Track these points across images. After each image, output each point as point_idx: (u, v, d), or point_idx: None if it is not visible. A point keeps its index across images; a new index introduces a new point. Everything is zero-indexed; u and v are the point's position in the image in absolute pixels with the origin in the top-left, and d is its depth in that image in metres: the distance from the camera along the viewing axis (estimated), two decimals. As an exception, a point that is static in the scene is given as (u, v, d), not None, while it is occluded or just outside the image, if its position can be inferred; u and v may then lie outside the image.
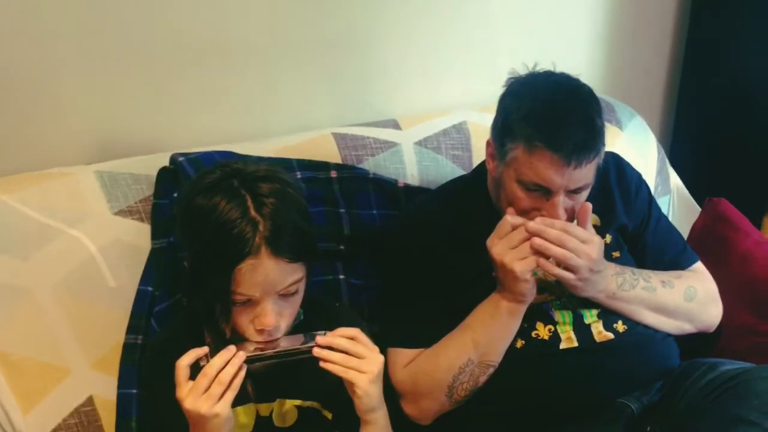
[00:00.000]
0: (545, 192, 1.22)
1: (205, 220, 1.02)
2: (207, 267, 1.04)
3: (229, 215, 1.00)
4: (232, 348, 1.02)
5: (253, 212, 1.01)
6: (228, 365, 0.99)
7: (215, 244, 1.02)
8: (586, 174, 1.22)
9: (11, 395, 1.23)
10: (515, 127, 1.22)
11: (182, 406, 0.99)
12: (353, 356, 1.04)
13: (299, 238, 1.04)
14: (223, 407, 0.98)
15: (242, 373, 1.01)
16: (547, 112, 1.21)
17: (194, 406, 0.97)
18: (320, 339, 1.04)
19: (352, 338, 1.05)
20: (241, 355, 1.01)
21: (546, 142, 1.18)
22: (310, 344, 1.05)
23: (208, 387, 0.98)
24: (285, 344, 1.06)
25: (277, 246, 1.01)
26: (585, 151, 1.19)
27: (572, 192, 1.23)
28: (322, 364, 1.03)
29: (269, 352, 1.05)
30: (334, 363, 1.03)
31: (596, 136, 1.22)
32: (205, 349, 1.02)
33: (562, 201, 1.22)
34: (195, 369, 1.01)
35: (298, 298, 1.08)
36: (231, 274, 1.01)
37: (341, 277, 1.45)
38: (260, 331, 1.05)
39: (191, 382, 0.99)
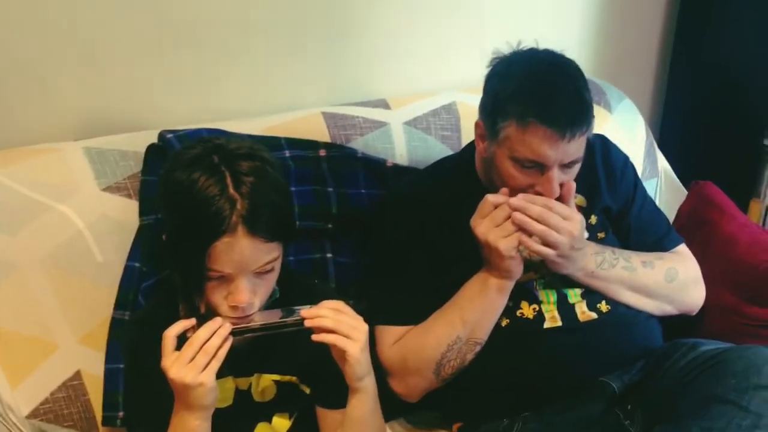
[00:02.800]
0: (539, 168, 1.23)
1: (183, 195, 1.01)
2: (183, 241, 1.03)
3: (208, 192, 0.99)
4: (218, 319, 1.02)
5: (231, 190, 1.00)
6: (214, 336, 1.00)
7: (192, 219, 1.01)
8: (578, 147, 1.23)
9: (0, 369, 1.23)
10: (506, 105, 1.22)
11: (167, 375, 0.99)
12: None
13: (277, 217, 1.03)
14: (208, 377, 0.99)
15: (227, 345, 1.01)
16: (537, 88, 1.22)
17: (179, 375, 0.98)
18: (305, 312, 1.05)
19: (336, 310, 1.06)
20: (227, 327, 1.02)
21: (539, 117, 1.19)
22: (296, 317, 1.05)
23: (194, 357, 0.99)
24: (260, 319, 1.06)
25: (254, 225, 1.00)
26: (578, 124, 1.20)
27: (565, 166, 1.24)
28: (315, 336, 1.04)
29: (255, 324, 1.05)
30: (326, 332, 1.03)
31: (587, 108, 1.23)
32: (193, 321, 1.02)
33: (556, 176, 1.23)
34: (181, 341, 1.01)
35: (273, 276, 1.08)
36: (207, 250, 1.00)
37: (329, 255, 1.46)
38: (234, 308, 1.04)
39: (177, 353, 1.00)
